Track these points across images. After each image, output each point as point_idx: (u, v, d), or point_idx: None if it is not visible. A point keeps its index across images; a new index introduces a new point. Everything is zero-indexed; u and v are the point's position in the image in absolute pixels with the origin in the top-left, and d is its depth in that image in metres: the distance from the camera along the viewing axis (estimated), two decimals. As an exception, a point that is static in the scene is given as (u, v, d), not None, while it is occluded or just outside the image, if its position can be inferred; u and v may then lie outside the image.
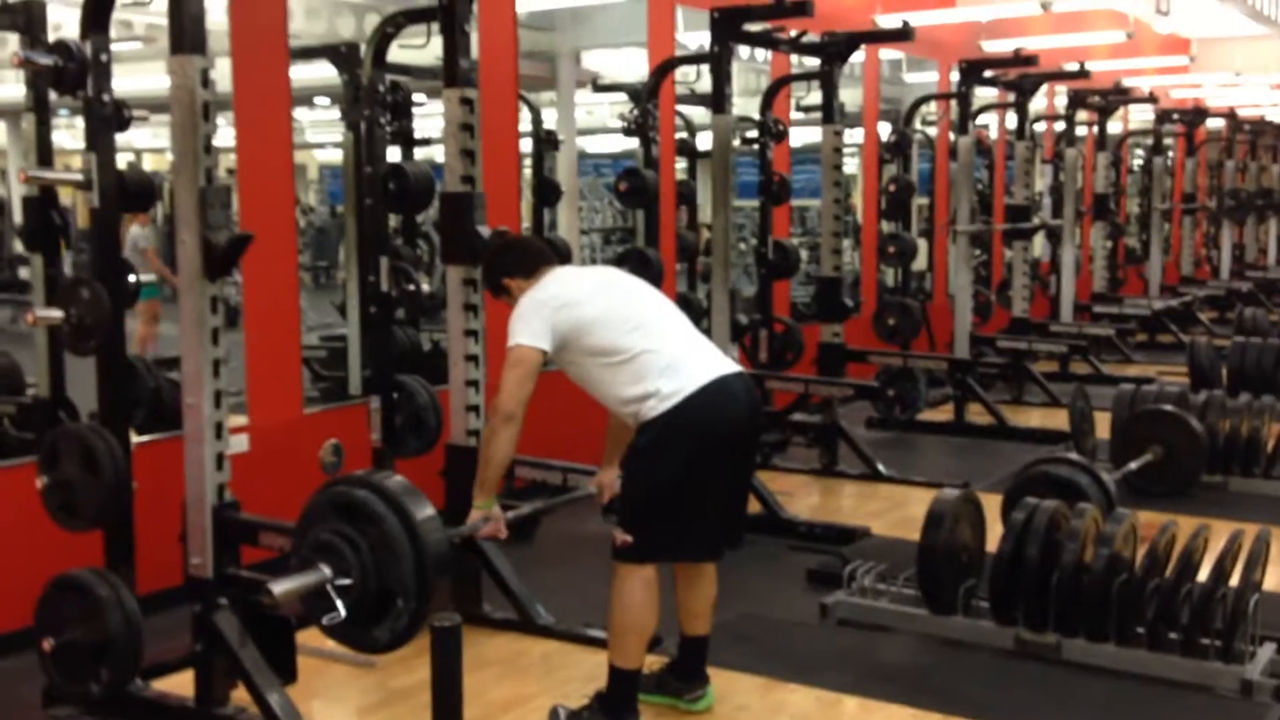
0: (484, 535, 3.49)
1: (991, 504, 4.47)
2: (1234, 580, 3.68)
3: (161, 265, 9.01)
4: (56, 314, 3.38)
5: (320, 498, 2.95)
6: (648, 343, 3.28)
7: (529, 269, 3.49)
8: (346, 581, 2.83)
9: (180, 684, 3.53)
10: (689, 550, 3.39)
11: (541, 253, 3.57)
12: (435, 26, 4.06)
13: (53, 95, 3.78)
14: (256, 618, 3.27)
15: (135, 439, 3.63)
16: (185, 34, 3.10)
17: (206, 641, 3.27)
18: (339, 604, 2.82)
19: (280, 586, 2.83)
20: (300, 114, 11.64)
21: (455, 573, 4.00)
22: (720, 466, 3.30)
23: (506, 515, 3.47)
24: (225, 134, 4.64)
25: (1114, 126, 11.21)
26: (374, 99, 4.38)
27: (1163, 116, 11.72)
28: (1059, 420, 7.22)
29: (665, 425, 3.22)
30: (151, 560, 3.55)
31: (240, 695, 3.30)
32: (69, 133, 8.26)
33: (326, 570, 2.84)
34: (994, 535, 4.04)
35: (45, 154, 3.97)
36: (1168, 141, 12.00)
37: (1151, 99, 11.08)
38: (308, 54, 6.00)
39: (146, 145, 13.77)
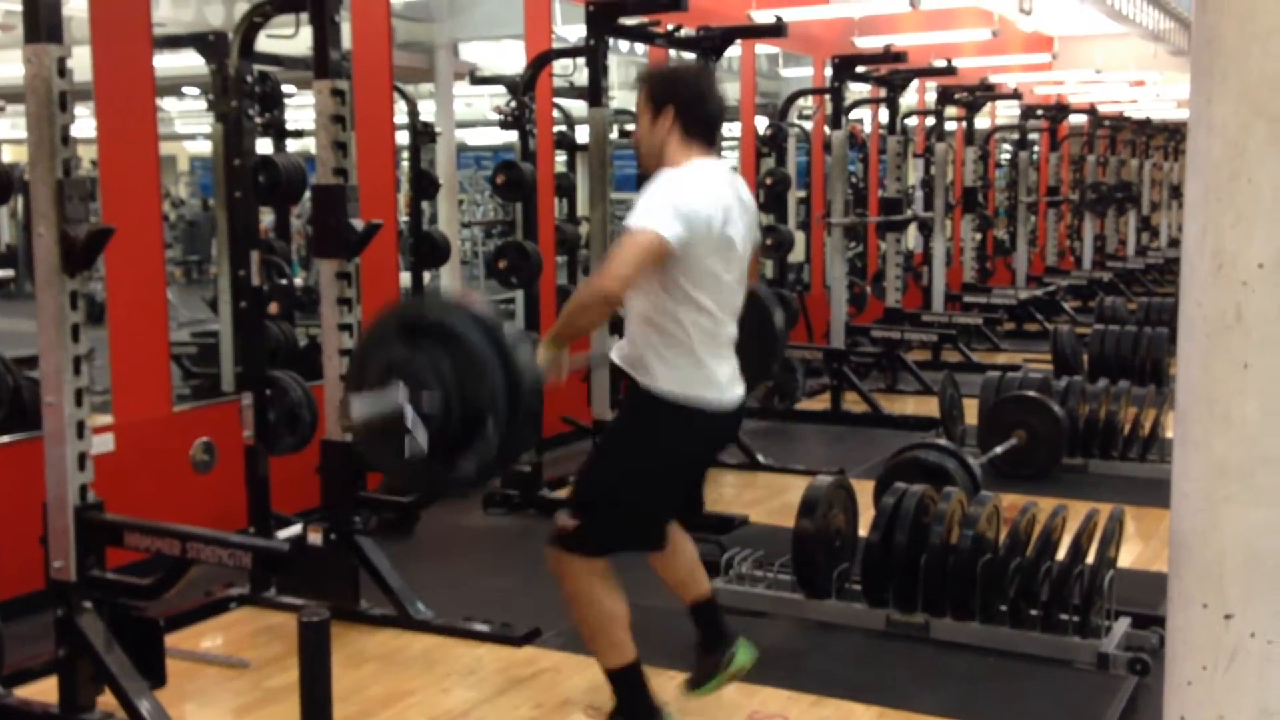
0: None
1: (865, 490, 4.58)
2: (1090, 558, 3.84)
3: None
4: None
5: (385, 319, 2.67)
6: (715, 325, 3.00)
7: (692, 134, 3.04)
8: (433, 398, 2.46)
9: (44, 690, 3.42)
10: (646, 541, 3.21)
11: (714, 133, 3.11)
12: (305, 16, 4.00)
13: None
14: (123, 621, 3.20)
15: (-7, 440, 3.52)
16: (40, 21, 3.00)
17: (70, 646, 3.18)
18: (419, 432, 2.48)
19: (359, 407, 2.50)
20: (169, 104, 11.32)
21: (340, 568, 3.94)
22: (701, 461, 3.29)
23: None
24: (89, 124, 4.52)
25: (982, 122, 11.54)
26: (242, 90, 4.30)
27: (1027, 112, 12.12)
28: (931, 407, 7.40)
29: (668, 412, 3.00)
30: (12, 564, 3.44)
31: (107, 700, 3.21)
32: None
33: (403, 388, 2.49)
34: (867, 520, 4.15)
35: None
36: (1033, 136, 12.41)
37: (1016, 95, 11.43)
38: (174, 42, 5.85)
39: (6, 136, 13.26)
